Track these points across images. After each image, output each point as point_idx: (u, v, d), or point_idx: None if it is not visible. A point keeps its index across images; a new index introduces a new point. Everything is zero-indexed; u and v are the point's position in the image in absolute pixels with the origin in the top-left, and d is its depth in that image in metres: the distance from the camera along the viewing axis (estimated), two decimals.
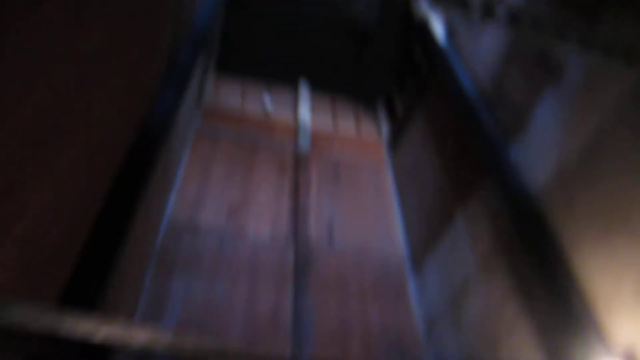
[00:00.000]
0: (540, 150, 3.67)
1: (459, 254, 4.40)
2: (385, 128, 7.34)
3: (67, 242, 2.43)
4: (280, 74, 7.50)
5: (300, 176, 6.00)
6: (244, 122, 6.64)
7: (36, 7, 1.72)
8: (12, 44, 1.60)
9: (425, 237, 5.13)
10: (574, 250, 3.12)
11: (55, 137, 2.05)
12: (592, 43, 3.40)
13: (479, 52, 5.04)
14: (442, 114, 5.52)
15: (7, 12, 1.52)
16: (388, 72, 7.43)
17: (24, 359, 1.83)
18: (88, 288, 2.63)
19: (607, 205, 2.94)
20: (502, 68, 4.52)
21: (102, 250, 2.78)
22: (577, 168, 3.25)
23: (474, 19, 5.24)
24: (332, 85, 7.63)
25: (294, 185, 5.89)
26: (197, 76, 5.76)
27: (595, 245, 2.97)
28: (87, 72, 2.32)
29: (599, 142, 3.11)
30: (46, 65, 1.88)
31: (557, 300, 3.08)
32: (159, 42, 3.81)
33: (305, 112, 7.04)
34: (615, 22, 3.32)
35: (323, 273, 4.94)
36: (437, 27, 5.88)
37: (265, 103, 7.11)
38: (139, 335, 1.65)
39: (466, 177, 4.59)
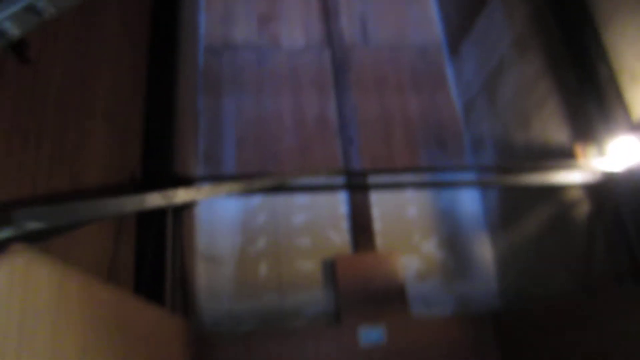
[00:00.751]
0: None
1: (494, 35, 4.39)
2: None
3: (136, 93, 2.78)
4: None
5: None
6: None
7: None
8: None
9: (461, 20, 5.02)
10: (606, 24, 3.10)
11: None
12: None
13: None
14: None
15: None
16: None
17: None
18: (160, 128, 3.12)
19: None
20: None
21: (161, 81, 3.18)
22: None
23: None
24: None
25: None
26: None
27: (628, 19, 2.94)
28: None
29: None
30: None
31: (585, 76, 3.22)
32: None
33: None
34: None
35: (361, 71, 5.12)
36: None
37: None
38: (224, 188, 2.13)
39: None
